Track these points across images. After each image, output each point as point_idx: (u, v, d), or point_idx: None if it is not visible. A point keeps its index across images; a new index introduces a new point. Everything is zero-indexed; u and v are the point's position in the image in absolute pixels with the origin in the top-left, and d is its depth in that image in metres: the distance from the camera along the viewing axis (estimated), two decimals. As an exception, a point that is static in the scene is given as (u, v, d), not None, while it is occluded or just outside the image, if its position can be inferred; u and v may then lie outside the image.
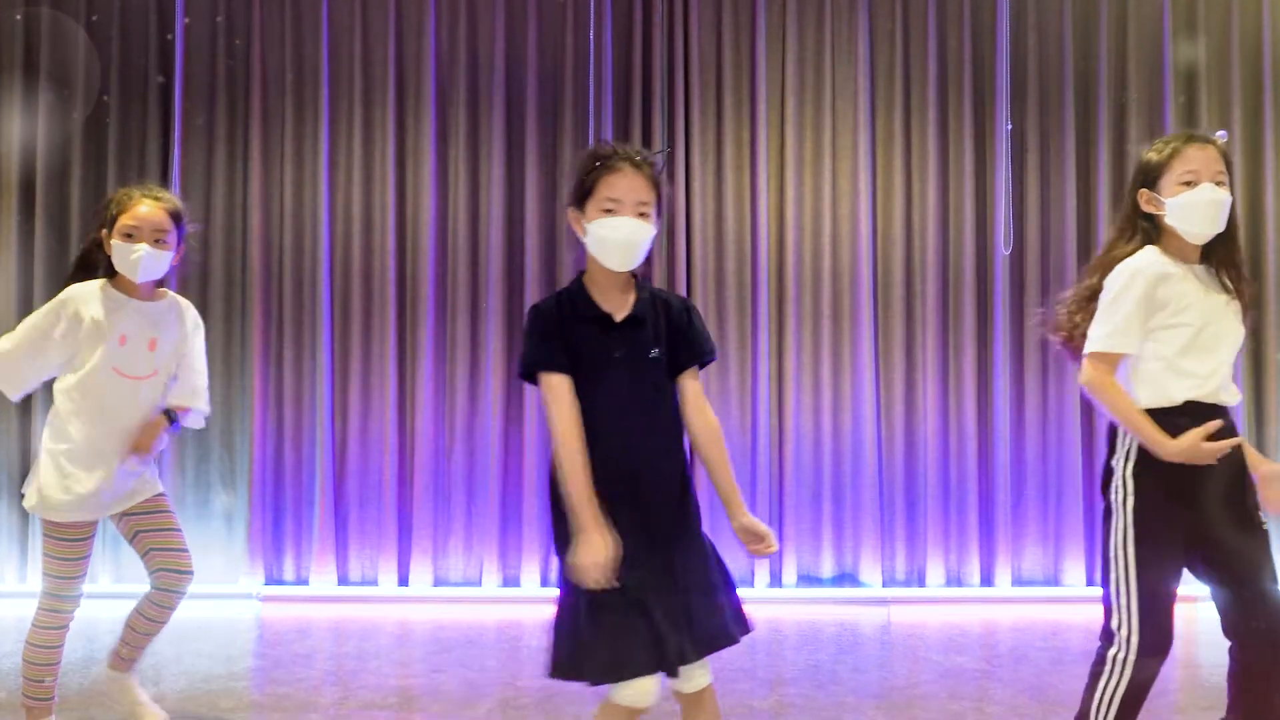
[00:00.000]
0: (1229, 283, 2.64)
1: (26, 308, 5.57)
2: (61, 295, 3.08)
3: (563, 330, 2.36)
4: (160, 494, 3.27)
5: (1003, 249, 5.71)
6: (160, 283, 3.21)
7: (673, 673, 2.32)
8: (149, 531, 3.22)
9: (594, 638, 2.29)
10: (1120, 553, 2.60)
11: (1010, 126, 5.74)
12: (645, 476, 2.37)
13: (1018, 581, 5.74)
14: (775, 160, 5.82)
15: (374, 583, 5.71)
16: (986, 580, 5.75)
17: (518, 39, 5.81)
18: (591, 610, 2.28)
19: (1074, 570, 5.61)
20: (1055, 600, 5.59)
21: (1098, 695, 2.59)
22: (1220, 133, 2.81)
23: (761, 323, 5.77)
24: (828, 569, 5.77)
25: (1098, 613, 2.62)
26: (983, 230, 5.78)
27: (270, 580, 5.63)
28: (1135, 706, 2.59)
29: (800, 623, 5.22)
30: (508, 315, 5.79)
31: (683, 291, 5.69)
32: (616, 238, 2.33)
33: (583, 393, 2.36)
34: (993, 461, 5.76)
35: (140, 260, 3.03)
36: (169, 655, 4.33)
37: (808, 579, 5.78)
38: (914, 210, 5.78)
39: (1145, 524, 2.59)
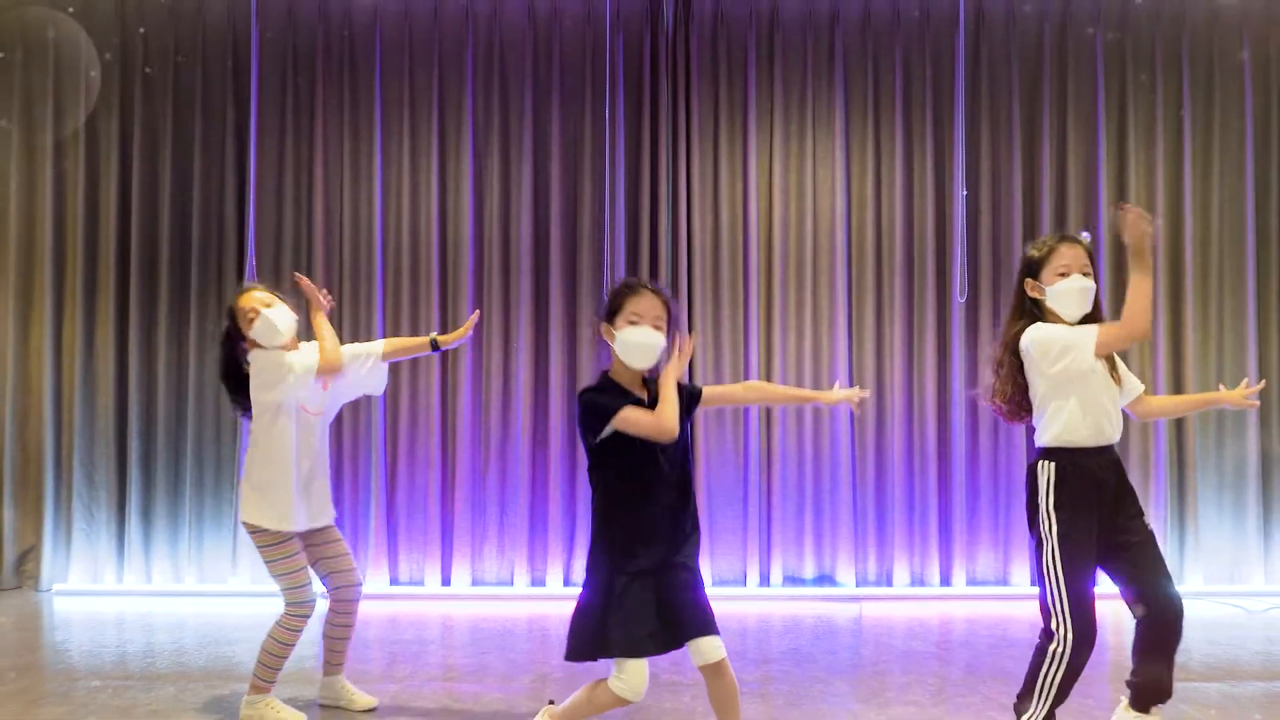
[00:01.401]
0: None
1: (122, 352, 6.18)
2: None
3: (620, 393, 2.95)
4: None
5: (958, 297, 6.23)
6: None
7: (673, 647, 2.87)
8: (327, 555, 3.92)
9: (612, 623, 2.84)
10: (1051, 572, 3.07)
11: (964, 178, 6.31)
12: (667, 517, 2.93)
13: (971, 582, 6.18)
14: (765, 186, 6.29)
15: (420, 583, 6.15)
16: (945, 580, 6.19)
17: (542, 72, 6.29)
18: (611, 602, 2.85)
19: (1020, 572, 6.09)
20: (1004, 598, 6.02)
21: (1041, 679, 3.08)
22: (1084, 233, 3.36)
23: (754, 352, 6.20)
24: (809, 571, 6.21)
25: (1040, 608, 3.19)
26: (942, 271, 6.30)
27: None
28: (1070, 686, 3.08)
29: (784, 616, 5.67)
30: (534, 350, 6.22)
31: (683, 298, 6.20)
32: (640, 341, 2.92)
33: (624, 464, 2.92)
34: (950, 479, 6.21)
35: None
36: (253, 643, 4.87)
37: (792, 579, 6.21)
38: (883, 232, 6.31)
39: (1068, 547, 3.06)
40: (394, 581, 6.20)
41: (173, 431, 6.26)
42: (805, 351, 6.28)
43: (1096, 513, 3.10)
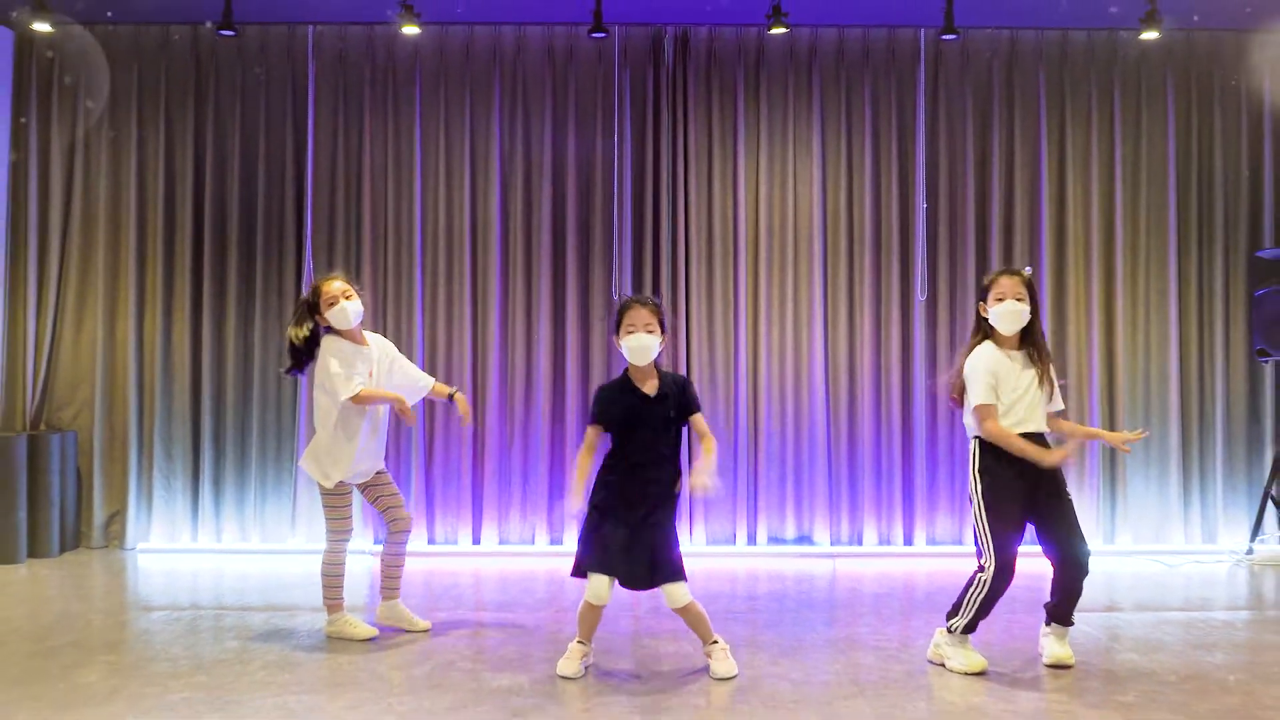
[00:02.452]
0: (1035, 359, 3.91)
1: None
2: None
3: (613, 399, 3.83)
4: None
5: (919, 295, 6.78)
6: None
7: (624, 584, 3.77)
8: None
9: (587, 547, 3.82)
10: (980, 520, 3.85)
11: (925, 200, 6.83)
12: (651, 477, 3.80)
13: (931, 541, 6.73)
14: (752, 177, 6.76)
15: (454, 542, 6.68)
16: (908, 540, 6.71)
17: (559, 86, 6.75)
18: (589, 536, 3.82)
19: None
20: (959, 555, 6.38)
21: (967, 596, 3.89)
22: (1026, 268, 4.11)
23: (742, 341, 6.69)
24: (790, 532, 6.73)
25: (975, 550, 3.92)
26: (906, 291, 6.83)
27: (378, 540, 6.36)
28: (989, 606, 3.86)
29: (769, 572, 6.15)
30: (553, 343, 6.70)
31: (681, 284, 6.66)
32: (635, 345, 3.77)
33: (625, 435, 3.80)
34: (913, 452, 6.75)
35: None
36: (309, 589, 5.30)
37: (775, 539, 6.72)
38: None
39: (989, 500, 3.82)
40: (431, 541, 6.70)
41: (240, 411, 6.78)
42: (787, 342, 6.79)
43: (1019, 481, 3.84)
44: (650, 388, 3.84)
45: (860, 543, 6.75)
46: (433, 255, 6.83)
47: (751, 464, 6.77)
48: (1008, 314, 3.87)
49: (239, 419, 6.81)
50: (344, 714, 3.56)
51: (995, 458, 3.89)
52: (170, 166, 6.89)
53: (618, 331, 3.83)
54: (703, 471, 3.74)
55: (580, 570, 3.85)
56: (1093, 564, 3.99)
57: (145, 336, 6.84)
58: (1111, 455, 6.85)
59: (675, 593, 3.78)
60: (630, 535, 3.72)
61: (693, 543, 6.73)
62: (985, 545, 3.85)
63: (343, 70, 6.87)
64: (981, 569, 3.87)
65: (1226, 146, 6.96)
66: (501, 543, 6.71)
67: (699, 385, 6.61)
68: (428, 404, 6.70)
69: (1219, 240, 6.91)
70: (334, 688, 3.84)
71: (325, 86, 6.85)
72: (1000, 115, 6.88)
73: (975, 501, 3.91)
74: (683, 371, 6.66)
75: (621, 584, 3.79)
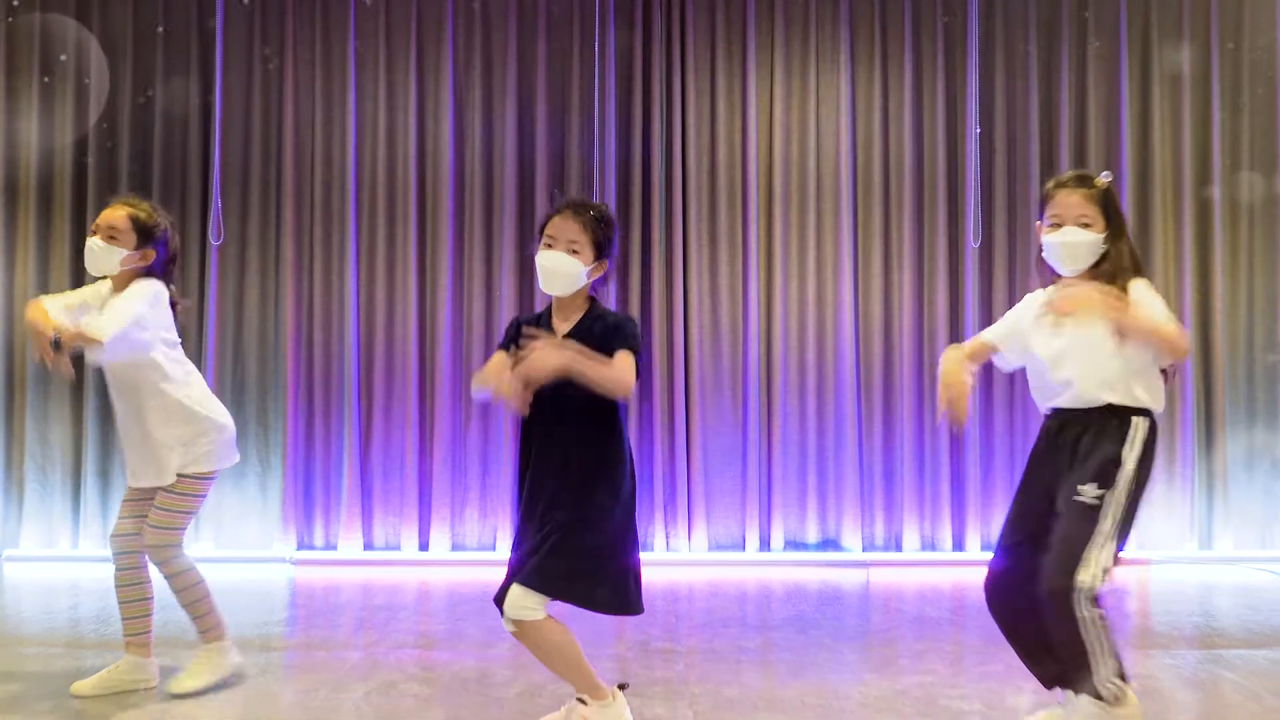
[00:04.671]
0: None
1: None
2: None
3: (517, 334, 2.83)
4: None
5: (971, 242, 6.05)
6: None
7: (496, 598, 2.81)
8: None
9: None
10: (1112, 526, 2.76)
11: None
12: (553, 458, 2.78)
13: (986, 546, 5.94)
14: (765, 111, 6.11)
15: (397, 548, 5.98)
16: (958, 545, 6.05)
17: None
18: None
19: None
20: None
21: (1095, 633, 2.71)
22: (1104, 174, 2.99)
23: (753, 298, 6.07)
24: (812, 535, 6.07)
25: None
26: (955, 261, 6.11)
27: (301, 546, 5.93)
28: (1119, 632, 2.80)
29: (787, 583, 5.51)
30: (518, 301, 6.07)
31: (679, 254, 6.06)
32: (544, 264, 2.83)
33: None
34: (963, 437, 6.06)
35: (88, 252, 3.38)
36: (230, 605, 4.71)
37: (794, 544, 6.07)
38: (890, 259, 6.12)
39: (1135, 506, 2.78)
40: (368, 546, 6.05)
41: None
42: (809, 301, 6.10)
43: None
44: (562, 327, 2.89)
45: (899, 548, 6.19)
46: (370, 189, 6.19)
47: (764, 450, 6.15)
48: (1056, 247, 2.90)
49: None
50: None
51: (1156, 442, 2.88)
52: (48, 116, 6.16)
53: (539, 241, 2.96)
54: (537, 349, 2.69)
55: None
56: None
57: (15, 297, 6.04)
58: (1209, 443, 6.16)
59: (516, 599, 2.76)
60: (527, 539, 2.85)
61: (692, 548, 6.17)
62: (1106, 557, 2.77)
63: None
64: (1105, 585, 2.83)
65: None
66: (455, 548, 6.11)
67: (698, 356, 6.09)
68: (362, 373, 6.09)
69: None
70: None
71: (236, 21, 6.17)
72: (1070, 23, 6.18)
73: (1119, 500, 2.79)
74: (680, 339, 6.08)
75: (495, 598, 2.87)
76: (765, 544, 6.10)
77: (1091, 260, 2.86)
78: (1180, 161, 6.14)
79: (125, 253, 3.39)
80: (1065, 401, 2.88)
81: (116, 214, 3.41)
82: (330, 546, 5.91)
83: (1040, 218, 2.95)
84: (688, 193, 6.09)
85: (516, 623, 2.76)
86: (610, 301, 3.04)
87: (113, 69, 6.09)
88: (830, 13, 6.13)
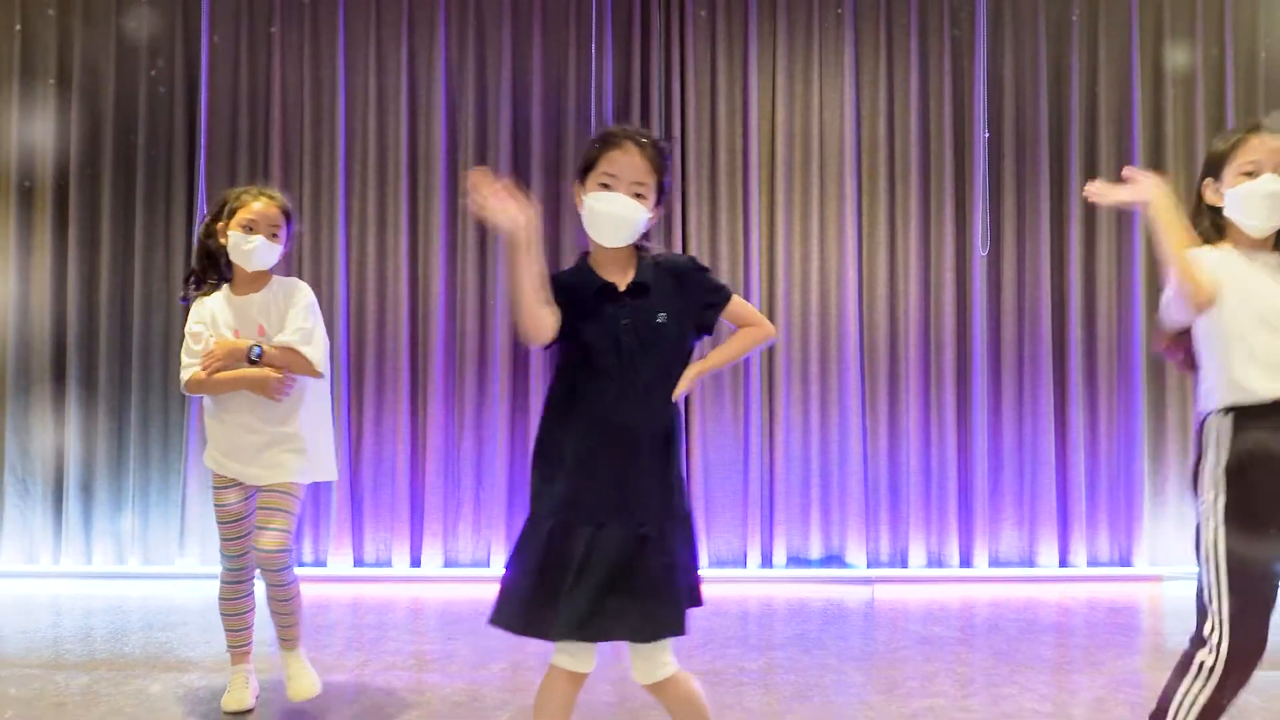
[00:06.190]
0: None
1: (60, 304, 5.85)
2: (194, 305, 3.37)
3: (570, 295, 2.33)
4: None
5: (979, 250, 5.87)
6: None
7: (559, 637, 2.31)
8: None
9: (510, 582, 2.34)
10: (1211, 561, 2.40)
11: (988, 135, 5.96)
12: (634, 433, 2.33)
13: (994, 562, 5.85)
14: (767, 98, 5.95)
15: (388, 564, 5.80)
16: (965, 561, 5.87)
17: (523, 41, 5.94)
18: (519, 552, 2.35)
19: (1047, 552, 5.74)
20: (1029, 580, 5.69)
21: (1179, 699, 2.41)
22: None
23: (754, 265, 5.91)
24: (816, 550, 5.90)
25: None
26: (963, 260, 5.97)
27: (359, 562, 5.80)
28: (1216, 714, 2.39)
29: (790, 600, 5.35)
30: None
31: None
32: (607, 211, 2.31)
33: (583, 362, 2.34)
34: (971, 449, 5.88)
35: (254, 251, 3.26)
36: (197, 625, 4.57)
37: (797, 560, 5.90)
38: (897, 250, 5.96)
39: (1236, 528, 2.38)
40: (359, 563, 5.86)
41: (115, 395, 5.89)
42: (811, 311, 5.92)
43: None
44: (622, 279, 2.39)
45: (905, 564, 6.03)
46: (361, 157, 5.98)
47: (766, 462, 5.97)
48: (1262, 197, 2.46)
49: (114, 406, 5.89)
50: None
51: (1255, 444, 2.40)
52: (26, 88, 5.97)
53: (584, 180, 2.40)
54: (691, 374, 2.39)
55: (499, 621, 2.39)
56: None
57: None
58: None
59: (662, 657, 2.39)
60: (595, 555, 2.30)
61: (691, 564, 5.80)
62: (1216, 602, 2.39)
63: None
64: (1203, 642, 2.40)
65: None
66: (447, 564, 5.94)
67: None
68: (353, 382, 5.91)
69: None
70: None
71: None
72: (1082, 16, 6.02)
73: (1210, 523, 2.42)
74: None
75: (580, 636, 2.34)
76: (767, 560, 5.94)
77: None
78: (1194, 165, 5.93)
79: (281, 247, 3.36)
80: None
81: (271, 209, 3.32)
82: (319, 563, 5.73)
83: (1212, 174, 2.56)
84: (687, 193, 5.97)
85: (665, 680, 2.38)
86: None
87: (96, 37, 5.93)
88: (833, 14, 6.00)
